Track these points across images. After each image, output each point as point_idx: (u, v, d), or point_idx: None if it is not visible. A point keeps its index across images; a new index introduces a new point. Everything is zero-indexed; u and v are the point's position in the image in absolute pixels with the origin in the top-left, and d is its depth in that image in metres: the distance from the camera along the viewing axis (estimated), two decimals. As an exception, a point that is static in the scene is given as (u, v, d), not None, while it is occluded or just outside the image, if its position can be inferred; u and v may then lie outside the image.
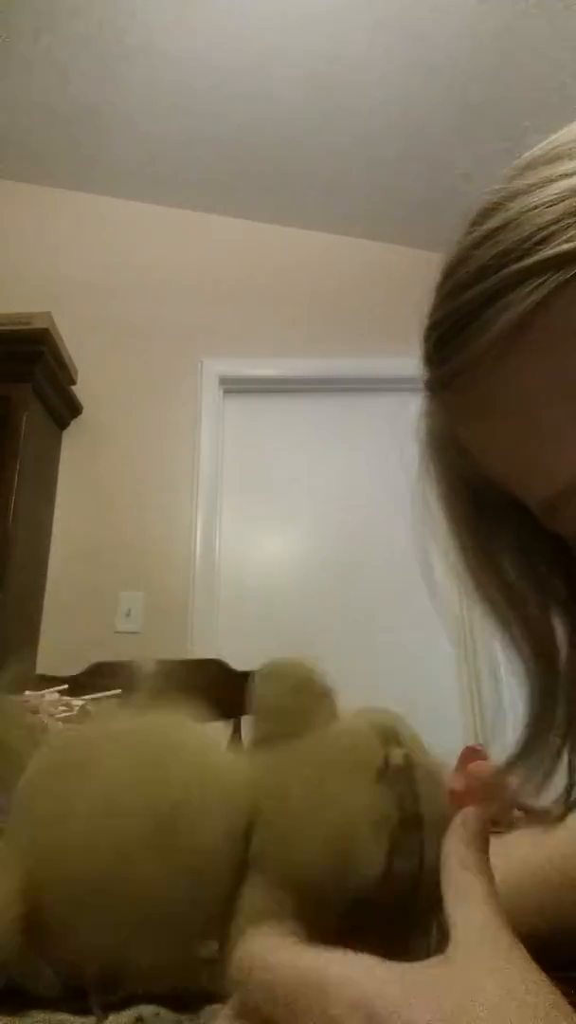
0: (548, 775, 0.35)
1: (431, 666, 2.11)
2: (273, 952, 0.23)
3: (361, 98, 2.10)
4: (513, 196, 0.29)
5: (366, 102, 2.11)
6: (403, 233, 2.48)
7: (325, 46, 1.96)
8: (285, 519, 2.31)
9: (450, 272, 0.31)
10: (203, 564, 2.18)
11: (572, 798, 0.35)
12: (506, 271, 0.27)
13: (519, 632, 0.36)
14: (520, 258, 0.27)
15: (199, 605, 2.13)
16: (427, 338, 0.32)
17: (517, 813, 0.98)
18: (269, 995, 0.22)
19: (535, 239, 0.27)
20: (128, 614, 2.09)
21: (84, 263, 2.49)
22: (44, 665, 1.96)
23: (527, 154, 0.30)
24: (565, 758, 0.35)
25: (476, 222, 0.30)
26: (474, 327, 0.29)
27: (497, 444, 0.32)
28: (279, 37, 1.95)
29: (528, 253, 0.27)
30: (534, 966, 0.22)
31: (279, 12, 1.89)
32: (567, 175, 0.27)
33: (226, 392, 2.42)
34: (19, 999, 0.32)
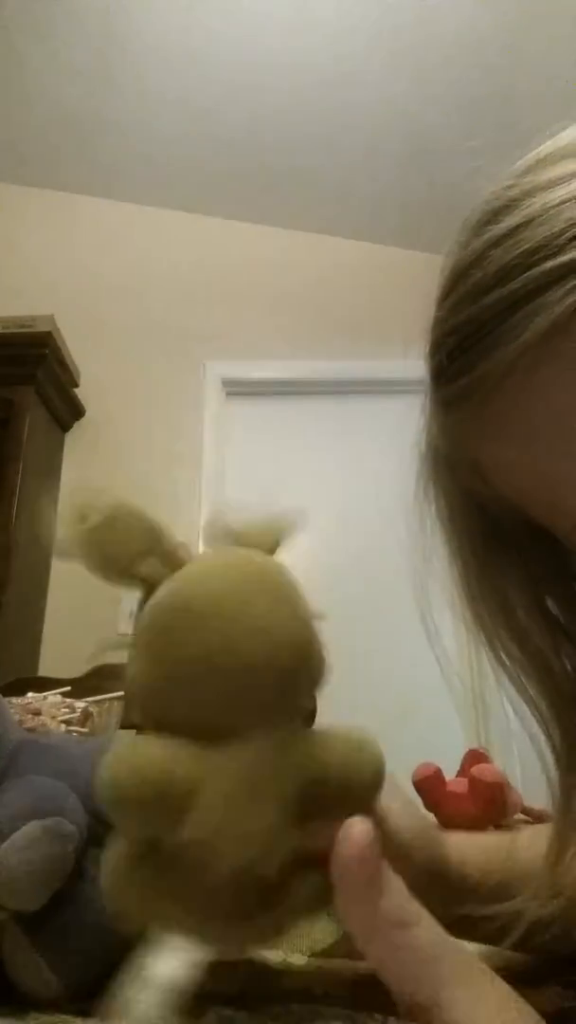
0: None
1: (431, 668, 2.11)
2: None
3: (362, 100, 2.11)
4: (531, 192, 0.27)
5: (367, 104, 2.12)
6: (405, 236, 2.49)
7: (326, 48, 1.97)
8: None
9: (461, 276, 0.28)
10: (205, 566, 2.18)
11: None
12: (535, 271, 0.25)
13: (525, 670, 0.34)
14: (551, 256, 0.25)
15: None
16: (437, 349, 0.29)
17: (520, 817, 0.98)
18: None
19: (567, 235, 0.25)
20: (131, 615, 2.08)
21: (87, 266, 2.50)
22: (47, 667, 1.96)
23: (533, 153, 0.29)
24: None
25: (489, 220, 0.28)
26: (497, 335, 0.26)
27: (525, 463, 0.29)
28: (280, 39, 1.96)
29: (560, 250, 0.24)
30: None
31: (279, 14, 1.90)
32: None
33: (229, 395, 2.43)
34: (19, 1000, 0.32)
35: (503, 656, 0.35)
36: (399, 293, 2.30)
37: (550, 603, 0.34)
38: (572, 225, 0.25)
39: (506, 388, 0.27)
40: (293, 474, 2.35)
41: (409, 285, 2.16)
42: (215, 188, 2.47)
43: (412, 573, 0.39)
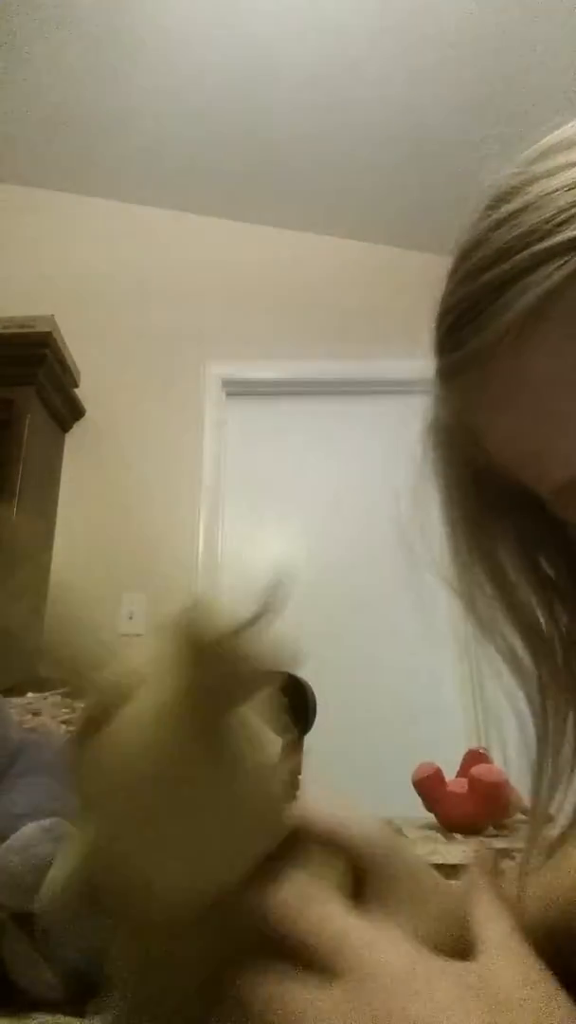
0: (566, 784, 0.34)
1: (432, 668, 2.11)
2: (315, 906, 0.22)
3: (363, 101, 2.11)
4: (532, 180, 0.29)
5: (368, 105, 2.12)
6: (406, 236, 2.49)
7: (327, 49, 1.97)
8: (287, 521, 2.31)
9: (466, 255, 0.30)
10: (206, 566, 2.18)
11: None
12: (527, 252, 0.27)
13: (516, 632, 0.36)
14: (541, 239, 0.27)
15: (201, 608, 2.12)
16: (440, 323, 0.32)
17: (520, 817, 0.98)
18: (308, 950, 0.22)
19: (556, 220, 0.27)
20: (130, 616, 2.09)
21: (87, 266, 2.50)
22: (47, 667, 1.96)
23: (543, 141, 0.31)
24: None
25: (493, 205, 0.30)
26: (492, 310, 0.28)
27: (513, 429, 0.31)
28: (281, 40, 1.96)
29: (549, 234, 0.27)
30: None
31: (280, 16, 1.90)
32: None
33: (229, 395, 2.43)
34: (21, 1001, 0.32)
35: (492, 617, 0.36)
36: (399, 293, 2.30)
37: (544, 564, 0.36)
38: (561, 211, 0.27)
39: (498, 359, 0.29)
40: (293, 474, 2.35)
41: (409, 285, 2.16)
42: (215, 188, 2.47)
43: (407, 541, 0.40)
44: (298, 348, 2.43)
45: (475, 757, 1.03)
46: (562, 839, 0.34)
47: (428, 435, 0.37)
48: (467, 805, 0.92)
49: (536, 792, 0.34)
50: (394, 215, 2.47)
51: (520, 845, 0.47)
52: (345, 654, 2.07)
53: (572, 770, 0.34)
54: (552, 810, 0.34)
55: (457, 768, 1.04)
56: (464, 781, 0.95)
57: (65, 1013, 0.33)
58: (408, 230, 2.46)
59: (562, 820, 0.34)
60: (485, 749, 1.05)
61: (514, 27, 1.84)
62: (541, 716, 0.35)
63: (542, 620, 0.36)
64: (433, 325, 0.33)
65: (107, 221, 2.56)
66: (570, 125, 0.30)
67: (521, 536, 0.36)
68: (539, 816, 0.34)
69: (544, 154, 0.30)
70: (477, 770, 0.93)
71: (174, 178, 2.45)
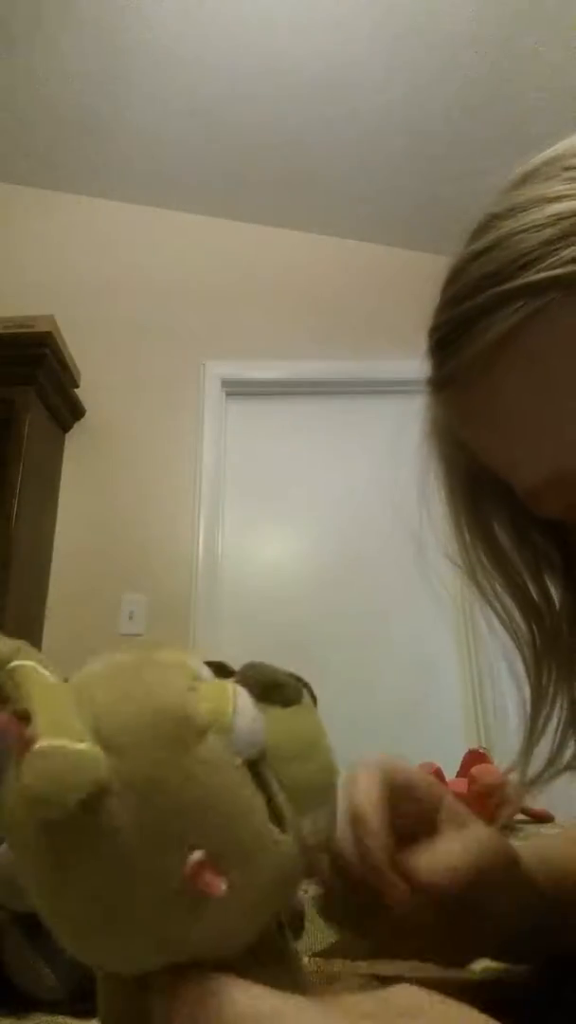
0: (558, 750, 0.38)
1: (432, 668, 2.11)
2: (225, 994, 0.20)
3: (364, 102, 2.11)
4: (507, 214, 0.31)
5: (369, 105, 2.12)
6: (406, 236, 2.49)
7: (328, 50, 1.97)
8: (287, 521, 2.31)
9: (451, 280, 0.33)
10: (205, 566, 2.18)
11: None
12: (491, 292, 0.30)
13: (511, 602, 0.39)
14: (503, 281, 0.29)
15: (201, 607, 2.13)
16: (429, 337, 0.35)
17: (520, 817, 0.98)
18: None
19: (518, 264, 0.29)
20: (131, 616, 2.09)
21: (87, 266, 2.50)
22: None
23: (528, 164, 0.32)
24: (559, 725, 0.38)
25: (474, 237, 0.32)
26: (466, 338, 0.31)
27: (487, 442, 0.35)
28: (282, 41, 1.96)
29: (510, 277, 0.29)
30: None
31: (281, 16, 1.90)
32: (557, 198, 0.29)
33: (228, 395, 2.43)
34: (21, 1001, 0.32)
35: (484, 579, 0.40)
36: (399, 293, 2.31)
37: (536, 540, 0.40)
38: (523, 255, 0.29)
39: (471, 382, 0.32)
40: (292, 474, 2.35)
41: (409, 285, 2.17)
42: (215, 189, 2.47)
43: (411, 527, 0.45)
44: (298, 348, 2.43)
45: (475, 757, 1.03)
46: (542, 775, 0.38)
47: (426, 425, 0.41)
48: (467, 805, 0.92)
49: (528, 740, 0.38)
50: (394, 215, 2.47)
51: (518, 843, 0.48)
52: (344, 654, 2.07)
53: (557, 726, 0.38)
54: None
55: (457, 768, 1.05)
56: (464, 781, 0.95)
57: (65, 1013, 0.32)
58: (408, 230, 2.47)
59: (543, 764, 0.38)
60: (485, 749, 1.05)
61: (514, 28, 1.84)
62: (536, 677, 0.39)
63: (534, 592, 0.39)
64: (427, 333, 0.35)
65: (107, 221, 2.56)
66: (555, 146, 0.32)
67: (513, 515, 0.39)
68: (526, 759, 0.38)
69: (524, 180, 0.32)
70: (477, 770, 0.93)
71: (174, 178, 2.45)
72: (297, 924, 0.33)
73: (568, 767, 0.38)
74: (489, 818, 0.93)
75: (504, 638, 0.40)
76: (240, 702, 0.23)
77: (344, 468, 2.34)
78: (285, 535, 2.31)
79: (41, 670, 0.21)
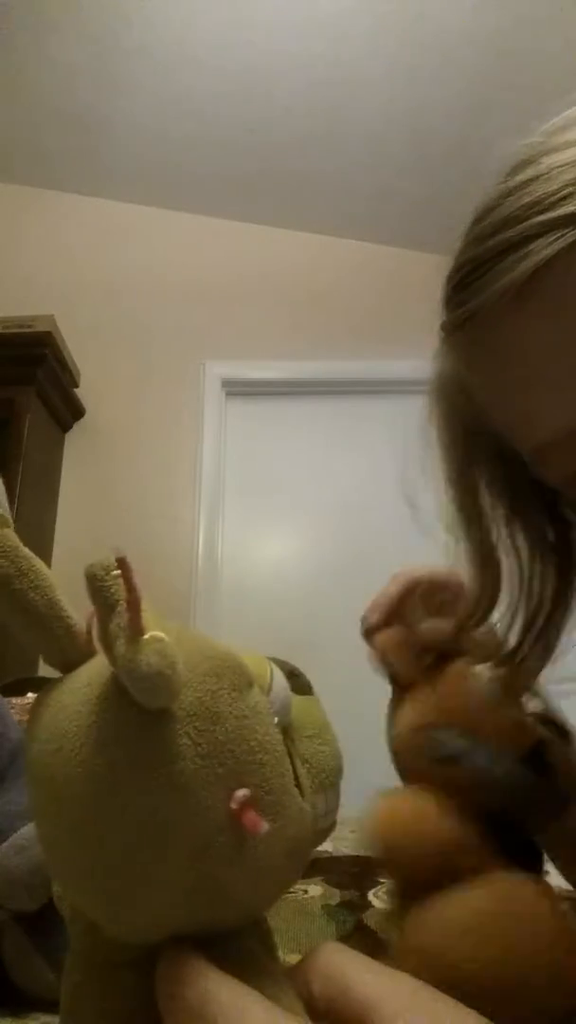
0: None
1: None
2: (195, 979, 0.19)
3: (363, 101, 2.11)
4: (545, 152, 0.30)
5: (368, 105, 2.12)
6: (406, 236, 2.49)
7: (327, 49, 1.97)
8: (287, 521, 2.31)
9: (479, 219, 0.32)
10: (205, 566, 2.18)
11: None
12: (529, 221, 0.28)
13: (504, 570, 0.39)
14: (544, 210, 0.28)
15: (201, 607, 2.13)
16: (448, 280, 0.33)
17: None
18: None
19: (560, 194, 0.28)
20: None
21: (87, 266, 2.50)
22: (47, 667, 1.96)
23: (562, 115, 0.32)
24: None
25: (510, 173, 0.31)
26: (492, 273, 0.30)
27: (499, 388, 0.33)
28: (282, 41, 1.96)
29: (552, 206, 0.28)
30: None
31: (281, 16, 1.90)
32: None
33: (228, 395, 2.43)
34: (21, 1001, 0.32)
35: (477, 550, 0.39)
36: (399, 293, 2.31)
37: (530, 517, 0.39)
38: (566, 185, 0.28)
39: (494, 320, 0.31)
40: (292, 474, 2.35)
41: (409, 285, 2.16)
42: (215, 188, 2.47)
43: (410, 498, 0.45)
44: (298, 348, 2.43)
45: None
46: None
47: (430, 390, 0.40)
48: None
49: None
50: (394, 215, 2.47)
51: None
52: (344, 654, 2.07)
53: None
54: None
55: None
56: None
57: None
58: (408, 230, 2.46)
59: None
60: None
61: (514, 28, 1.84)
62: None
63: (525, 568, 0.38)
64: (445, 279, 0.34)
65: (107, 221, 2.55)
66: None
67: (512, 491, 0.38)
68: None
69: (561, 128, 0.31)
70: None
71: (174, 178, 2.45)
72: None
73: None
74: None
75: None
76: (276, 671, 0.24)
77: (344, 468, 2.34)
78: (285, 535, 2.31)
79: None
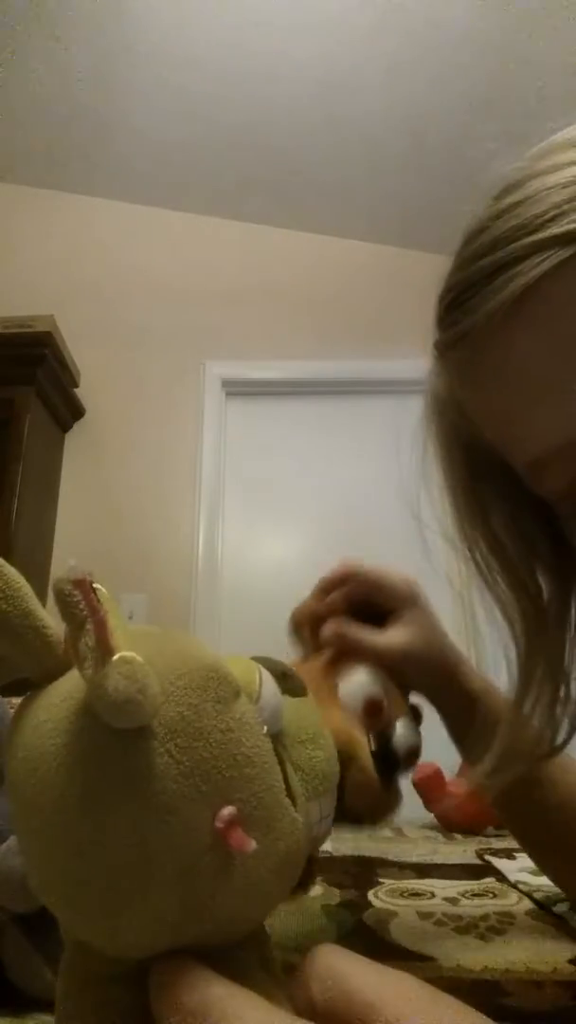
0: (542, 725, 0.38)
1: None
2: (191, 983, 0.19)
3: (364, 101, 2.11)
4: (533, 175, 0.31)
5: (369, 105, 2.12)
6: (405, 236, 2.49)
7: (327, 50, 1.97)
8: (287, 521, 2.31)
9: (469, 240, 0.33)
10: (205, 566, 2.18)
11: (557, 744, 0.38)
12: (517, 243, 0.29)
13: (505, 587, 0.39)
14: (531, 232, 0.29)
15: (201, 607, 2.13)
16: (440, 301, 0.34)
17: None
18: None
19: (547, 216, 0.29)
20: (130, 616, 2.09)
21: (87, 266, 2.50)
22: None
23: (552, 138, 0.32)
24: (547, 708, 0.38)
25: (498, 196, 0.32)
26: (482, 294, 0.30)
27: (492, 406, 0.33)
28: (282, 41, 1.96)
29: (540, 228, 0.29)
30: None
31: (281, 16, 1.90)
32: None
33: (228, 394, 2.43)
34: (22, 1001, 0.32)
35: (481, 563, 0.40)
36: (399, 293, 2.30)
37: (529, 528, 0.39)
38: (553, 208, 0.29)
39: (484, 340, 0.31)
40: (292, 474, 2.35)
41: (409, 285, 2.16)
42: (215, 188, 2.47)
43: (413, 510, 0.46)
44: (298, 348, 2.43)
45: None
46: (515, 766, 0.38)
47: (426, 407, 0.40)
48: (467, 805, 0.92)
49: (510, 729, 0.38)
50: (395, 215, 2.47)
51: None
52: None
53: (532, 711, 0.38)
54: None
55: (456, 768, 1.04)
56: (464, 781, 0.95)
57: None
58: (408, 230, 2.46)
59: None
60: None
61: (514, 28, 1.84)
62: (524, 665, 0.38)
63: (527, 580, 0.39)
64: (437, 299, 0.35)
65: (107, 221, 2.55)
66: (571, 127, 0.32)
67: (508, 501, 0.39)
68: (515, 727, 0.38)
69: (547, 152, 0.32)
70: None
71: (174, 178, 2.45)
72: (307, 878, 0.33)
73: (542, 757, 0.39)
74: (490, 819, 0.93)
75: (505, 637, 0.40)
76: (265, 678, 0.23)
77: (344, 468, 2.34)
78: (285, 535, 2.31)
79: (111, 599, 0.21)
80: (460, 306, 0.32)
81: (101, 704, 0.18)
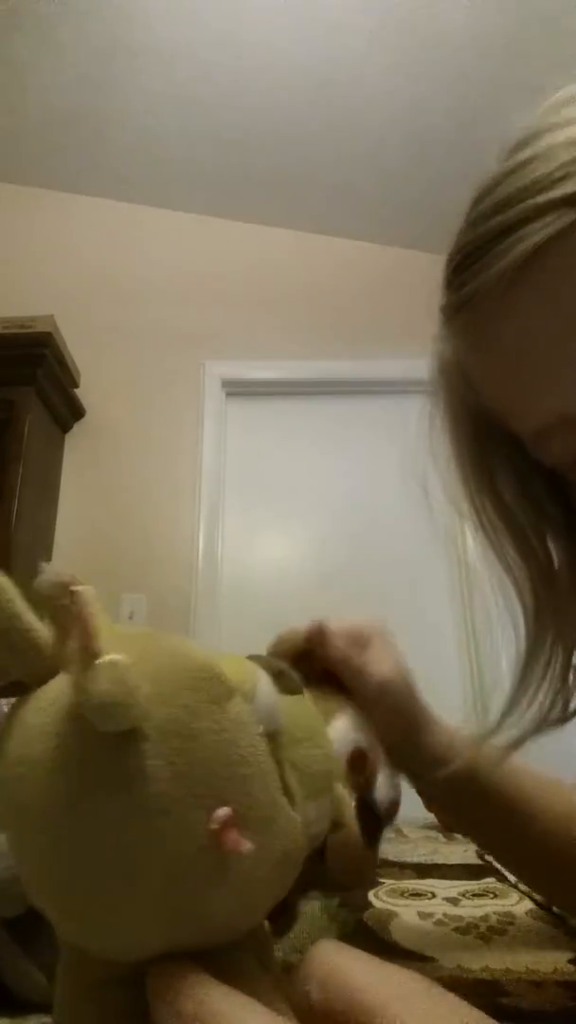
0: (548, 697, 0.37)
1: (434, 668, 2.11)
2: (188, 988, 0.19)
3: (363, 101, 2.11)
4: (543, 131, 0.30)
5: (368, 105, 2.12)
6: (406, 236, 2.49)
7: (327, 49, 1.97)
8: (287, 521, 2.31)
9: (477, 200, 0.31)
10: (205, 566, 2.18)
11: (570, 712, 0.37)
12: (527, 203, 0.28)
13: (515, 554, 0.38)
14: (541, 191, 0.28)
15: (201, 607, 2.12)
16: (448, 262, 0.33)
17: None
18: None
19: (556, 175, 0.28)
20: (130, 616, 2.09)
21: (87, 266, 2.50)
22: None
23: (560, 93, 0.32)
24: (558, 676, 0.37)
25: (509, 153, 0.31)
26: (489, 256, 0.29)
27: (496, 372, 0.32)
28: (282, 41, 1.96)
29: (549, 187, 0.28)
30: None
31: (281, 16, 1.90)
32: None
33: (228, 395, 2.43)
34: (17, 1003, 0.32)
35: (490, 530, 0.39)
36: (399, 293, 2.30)
37: (537, 494, 0.38)
38: (562, 166, 0.28)
39: (492, 302, 0.30)
40: (292, 474, 2.35)
41: (409, 285, 2.16)
42: (215, 188, 2.47)
43: (417, 479, 0.43)
44: (298, 348, 2.43)
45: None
46: (529, 732, 0.37)
47: (432, 375, 0.39)
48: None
49: (514, 694, 0.37)
50: (394, 215, 2.47)
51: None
52: (345, 654, 2.07)
53: (543, 677, 0.37)
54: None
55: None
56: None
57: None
58: (408, 230, 2.46)
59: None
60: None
61: (514, 27, 1.84)
62: (534, 632, 0.37)
63: (538, 548, 0.38)
64: (445, 262, 0.33)
65: (107, 221, 2.55)
66: None
67: (516, 468, 0.38)
68: (510, 711, 0.37)
69: (562, 103, 0.31)
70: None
71: (174, 178, 2.45)
72: (287, 920, 0.32)
73: (554, 724, 0.38)
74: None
75: (511, 630, 0.39)
76: (260, 676, 0.23)
77: (344, 468, 2.34)
78: (285, 535, 2.31)
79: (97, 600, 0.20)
80: (467, 268, 0.31)
81: (87, 707, 0.18)
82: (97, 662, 0.18)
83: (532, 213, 0.28)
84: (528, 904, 0.51)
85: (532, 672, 0.37)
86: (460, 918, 0.47)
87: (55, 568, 0.20)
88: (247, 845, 0.19)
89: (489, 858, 0.69)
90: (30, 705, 0.21)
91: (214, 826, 0.19)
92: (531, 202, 0.28)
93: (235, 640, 2.11)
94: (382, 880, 0.59)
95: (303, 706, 0.26)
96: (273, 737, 0.23)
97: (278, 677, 0.25)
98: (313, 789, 0.24)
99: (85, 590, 0.20)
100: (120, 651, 0.19)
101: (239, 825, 0.19)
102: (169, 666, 0.21)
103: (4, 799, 0.20)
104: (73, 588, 0.19)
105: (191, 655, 0.21)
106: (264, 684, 0.23)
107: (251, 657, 0.26)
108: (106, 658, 0.18)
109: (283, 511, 2.32)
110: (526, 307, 0.29)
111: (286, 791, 0.22)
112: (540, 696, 0.37)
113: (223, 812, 0.19)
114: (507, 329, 0.30)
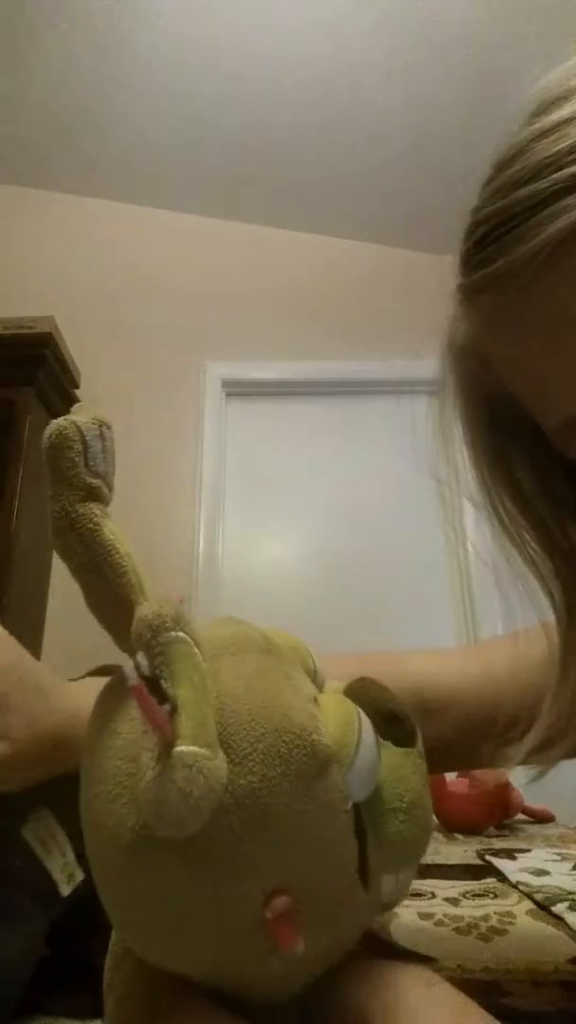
0: None
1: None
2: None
3: (364, 101, 2.11)
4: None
5: (369, 105, 2.12)
6: (406, 237, 2.49)
7: (327, 49, 1.97)
8: (287, 522, 2.31)
9: (504, 165, 0.28)
10: (206, 567, 2.18)
11: None
12: (564, 172, 0.24)
13: (537, 547, 0.35)
14: None
15: (202, 608, 2.12)
16: (468, 236, 0.30)
17: (521, 817, 0.98)
18: None
19: None
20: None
21: (87, 267, 2.50)
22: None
23: None
24: None
25: (541, 112, 0.27)
26: (524, 228, 0.26)
27: (525, 357, 0.29)
28: (282, 41, 1.96)
29: None
30: None
31: (281, 15, 1.90)
32: None
33: (229, 395, 2.43)
34: (23, 1005, 0.32)
35: (508, 522, 0.36)
36: (399, 293, 2.30)
37: (556, 482, 0.36)
38: None
39: (523, 282, 0.27)
40: (292, 474, 2.35)
41: (409, 285, 2.16)
42: (215, 189, 2.47)
43: (433, 470, 0.40)
44: (298, 348, 2.43)
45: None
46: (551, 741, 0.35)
47: (444, 359, 0.36)
48: (468, 805, 0.92)
49: (557, 686, 0.35)
50: (394, 215, 2.47)
51: (522, 845, 0.48)
52: (344, 650, 2.07)
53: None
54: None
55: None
56: (465, 781, 0.95)
57: (65, 1015, 0.33)
58: (409, 230, 2.46)
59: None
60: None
61: (514, 26, 1.84)
62: (568, 625, 0.35)
63: (559, 535, 0.35)
64: (463, 234, 0.30)
65: (107, 221, 2.55)
66: None
67: (534, 458, 0.35)
68: (556, 703, 0.35)
69: None
70: (479, 772, 0.93)
71: (174, 179, 2.45)
72: None
73: None
74: (491, 819, 0.92)
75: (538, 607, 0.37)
76: (365, 737, 0.20)
77: (344, 468, 2.34)
78: (285, 535, 2.31)
79: (195, 648, 0.18)
80: (492, 243, 0.27)
81: (148, 813, 0.16)
82: (173, 754, 0.16)
83: (573, 182, 0.24)
84: (528, 904, 0.51)
85: (571, 665, 0.35)
86: (460, 918, 0.47)
87: (133, 665, 0.18)
88: (300, 945, 0.18)
89: (490, 858, 0.69)
90: (122, 713, 0.20)
91: (269, 915, 0.18)
92: (569, 171, 0.24)
93: (235, 640, 2.11)
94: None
95: (411, 764, 0.22)
96: (361, 806, 0.20)
97: (391, 723, 0.22)
98: (397, 862, 0.22)
99: (180, 643, 0.18)
100: (214, 703, 0.17)
101: (297, 918, 0.18)
102: (261, 723, 0.18)
103: (90, 819, 0.20)
104: (168, 637, 0.17)
105: (288, 712, 0.19)
106: (367, 747, 0.20)
107: (362, 685, 0.23)
108: (182, 750, 0.16)
109: (283, 511, 2.32)
110: (565, 288, 0.26)
111: (363, 867, 0.20)
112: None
113: (281, 903, 0.18)
114: (542, 310, 0.27)
